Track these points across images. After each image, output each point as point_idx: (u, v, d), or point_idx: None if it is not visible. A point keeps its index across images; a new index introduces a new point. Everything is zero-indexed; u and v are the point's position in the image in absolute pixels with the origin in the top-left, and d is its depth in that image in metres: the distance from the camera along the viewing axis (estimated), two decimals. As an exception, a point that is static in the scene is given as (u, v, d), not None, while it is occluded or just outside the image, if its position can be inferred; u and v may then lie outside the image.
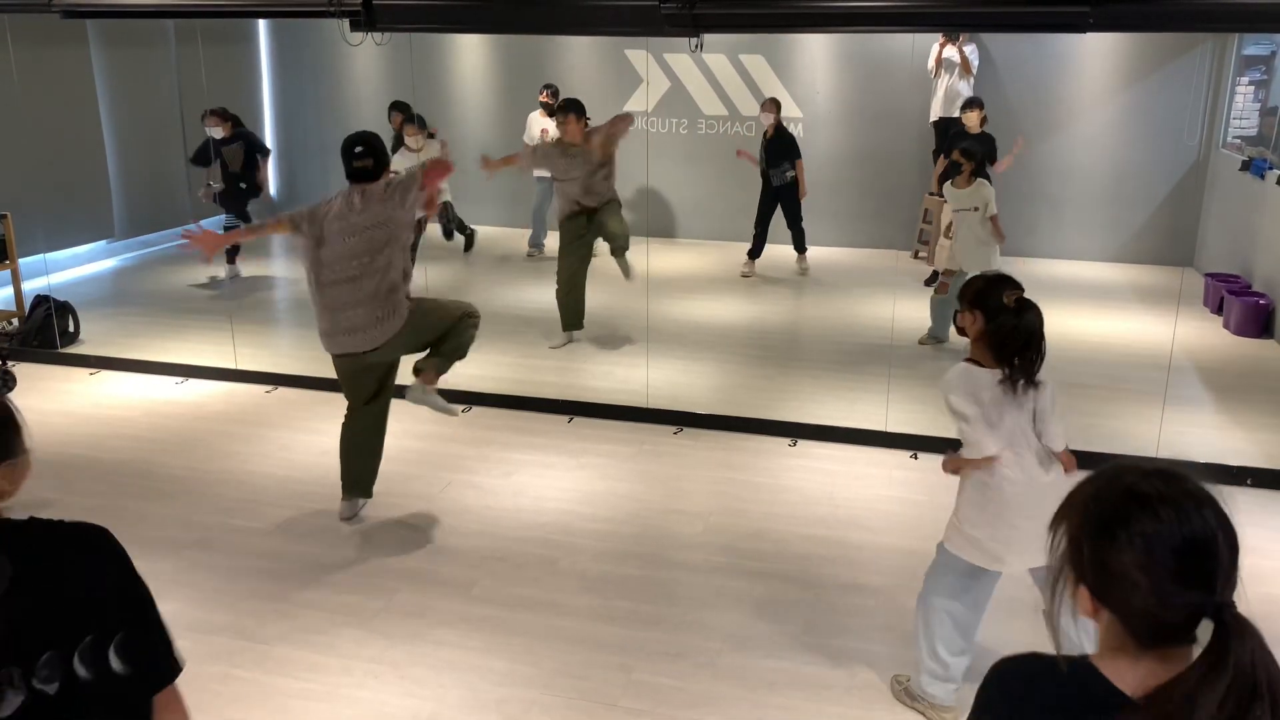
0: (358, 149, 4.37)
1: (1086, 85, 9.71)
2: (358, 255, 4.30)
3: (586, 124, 7.14)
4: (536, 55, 10.83)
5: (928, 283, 8.58)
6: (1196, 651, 1.20)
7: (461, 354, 4.61)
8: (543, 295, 8.55)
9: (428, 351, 4.59)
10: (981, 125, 8.52)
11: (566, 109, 7.12)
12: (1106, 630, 1.27)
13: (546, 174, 9.51)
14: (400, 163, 8.16)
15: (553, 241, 8.12)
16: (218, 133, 8.68)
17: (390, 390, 4.73)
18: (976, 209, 6.79)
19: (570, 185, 7.07)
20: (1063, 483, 3.22)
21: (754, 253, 9.27)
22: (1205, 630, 1.20)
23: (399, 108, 9.38)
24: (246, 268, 9.22)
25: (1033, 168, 9.86)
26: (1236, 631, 1.15)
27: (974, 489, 3.21)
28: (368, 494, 4.79)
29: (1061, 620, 1.28)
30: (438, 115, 10.13)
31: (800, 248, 9.36)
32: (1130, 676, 1.22)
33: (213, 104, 8.71)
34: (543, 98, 9.73)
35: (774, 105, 9.02)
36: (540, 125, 9.67)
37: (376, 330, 4.34)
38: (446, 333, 4.53)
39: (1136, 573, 1.19)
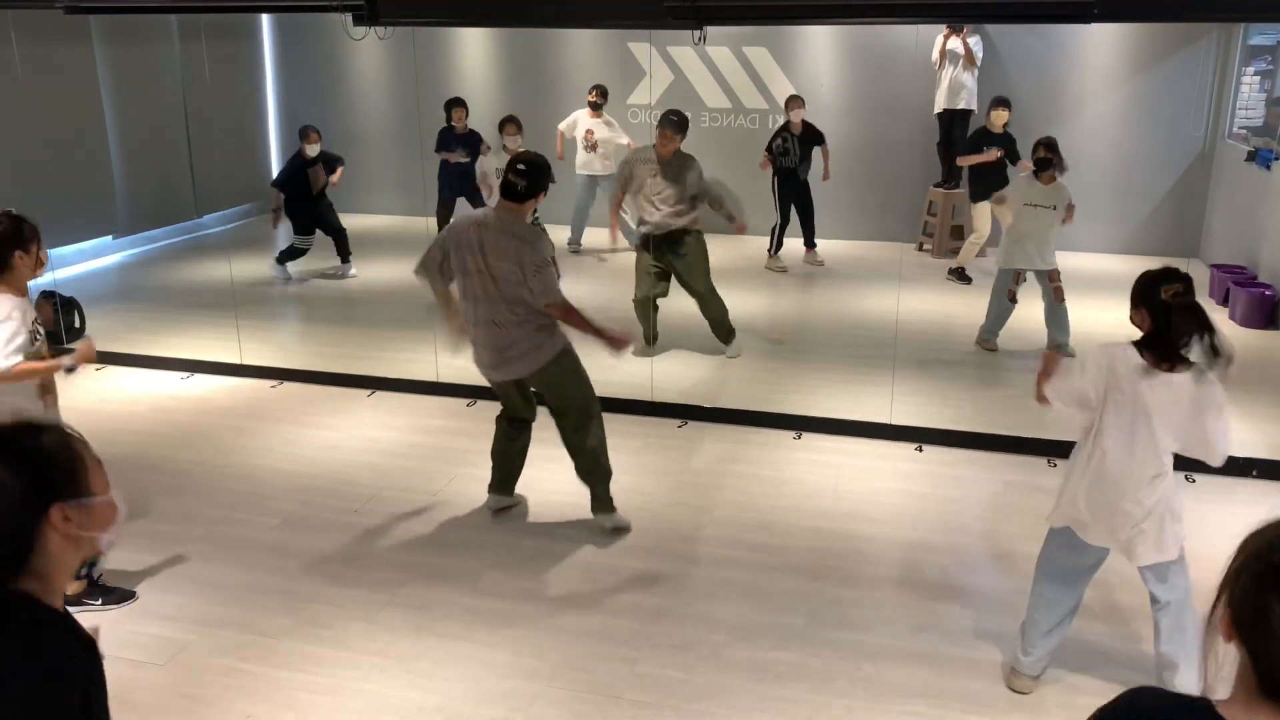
0: (520, 165, 4.23)
1: (1091, 76, 9.68)
2: (482, 273, 4.22)
3: (680, 141, 6.61)
4: (539, 48, 10.82)
5: (955, 274, 8.60)
6: None
7: (604, 471, 4.63)
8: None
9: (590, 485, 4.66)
10: (1005, 126, 8.44)
11: (665, 122, 6.58)
12: (1239, 666, 1.27)
13: (587, 172, 9.60)
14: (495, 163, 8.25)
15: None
16: (314, 150, 8.70)
17: (534, 407, 4.75)
18: (1055, 207, 6.61)
19: (642, 201, 6.67)
20: (1160, 492, 3.18)
21: (778, 247, 9.36)
22: None
23: (459, 103, 9.19)
24: (251, 265, 9.21)
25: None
26: None
27: (1075, 451, 3.36)
28: (510, 494, 4.86)
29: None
30: (442, 110, 10.12)
31: (812, 241, 9.43)
32: None
33: (215, 100, 8.69)
34: (591, 98, 9.63)
35: (801, 101, 9.12)
36: (585, 125, 9.59)
37: (508, 368, 4.39)
38: (583, 439, 4.55)
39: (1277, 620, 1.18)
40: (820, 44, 10.19)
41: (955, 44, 9.34)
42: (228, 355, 6.76)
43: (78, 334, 7.34)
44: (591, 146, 9.55)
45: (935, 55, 9.54)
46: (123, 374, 6.70)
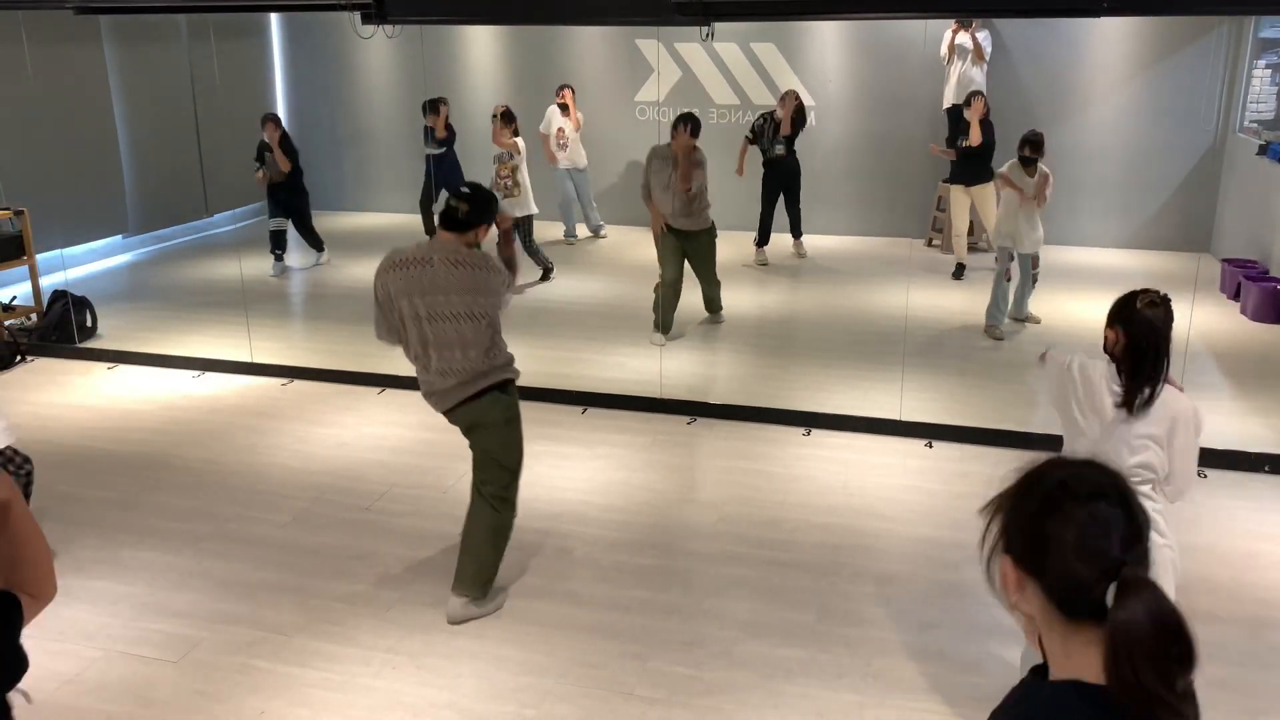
0: (465, 190, 3.89)
1: (1101, 70, 9.64)
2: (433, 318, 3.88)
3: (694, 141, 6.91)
4: (547, 45, 10.82)
5: (956, 275, 8.63)
6: None
7: (485, 561, 3.95)
8: (555, 286, 8.57)
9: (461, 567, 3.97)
10: (984, 114, 8.60)
11: (681, 122, 6.86)
12: (1041, 625, 1.29)
13: (568, 166, 9.76)
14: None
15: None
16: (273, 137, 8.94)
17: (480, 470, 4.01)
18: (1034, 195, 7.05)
19: (665, 198, 6.93)
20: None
21: (765, 240, 9.37)
22: None
23: (438, 103, 9.43)
24: (262, 263, 9.24)
25: (1048, 154, 9.78)
26: (1131, 588, 1.18)
27: None
28: (475, 595, 3.97)
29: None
30: (449, 108, 10.13)
31: (800, 232, 9.51)
32: (1072, 668, 1.24)
33: (225, 99, 8.79)
34: (562, 98, 9.78)
35: (796, 95, 9.23)
36: (558, 123, 9.75)
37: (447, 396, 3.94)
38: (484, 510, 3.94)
39: (1072, 540, 1.23)
40: (828, 40, 10.17)
41: (964, 39, 9.31)
42: (238, 354, 6.79)
43: (90, 333, 7.39)
44: (563, 145, 9.73)
45: (944, 50, 9.51)
46: (134, 373, 6.73)
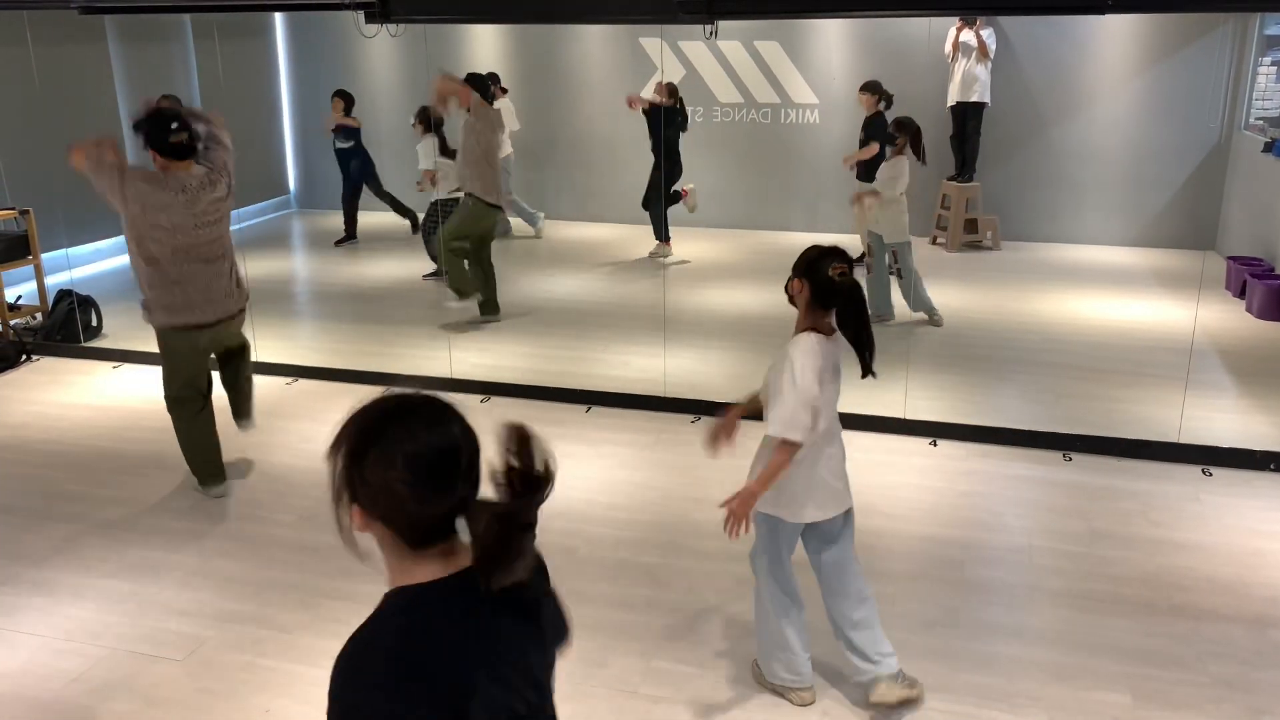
0: (174, 124, 4.55)
1: (1106, 68, 9.62)
2: (213, 237, 4.76)
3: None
4: (551, 44, 10.82)
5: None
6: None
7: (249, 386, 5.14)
8: (557, 285, 8.57)
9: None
10: (876, 106, 8.62)
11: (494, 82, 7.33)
12: (383, 548, 1.44)
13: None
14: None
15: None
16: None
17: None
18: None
19: (486, 168, 7.27)
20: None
21: (666, 234, 9.37)
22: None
23: (342, 95, 9.85)
24: (267, 263, 9.26)
25: (1052, 152, 9.79)
26: (477, 512, 1.37)
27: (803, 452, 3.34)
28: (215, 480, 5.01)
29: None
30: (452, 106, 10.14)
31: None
32: (414, 578, 1.40)
33: (229, 98, 8.78)
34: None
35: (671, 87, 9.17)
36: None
37: (230, 301, 4.81)
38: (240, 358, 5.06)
39: (397, 484, 1.35)
40: (832, 37, 10.16)
41: (968, 36, 9.30)
42: (243, 353, 6.79)
43: (95, 333, 7.40)
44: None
45: (948, 48, 9.51)
46: (139, 372, 6.75)
